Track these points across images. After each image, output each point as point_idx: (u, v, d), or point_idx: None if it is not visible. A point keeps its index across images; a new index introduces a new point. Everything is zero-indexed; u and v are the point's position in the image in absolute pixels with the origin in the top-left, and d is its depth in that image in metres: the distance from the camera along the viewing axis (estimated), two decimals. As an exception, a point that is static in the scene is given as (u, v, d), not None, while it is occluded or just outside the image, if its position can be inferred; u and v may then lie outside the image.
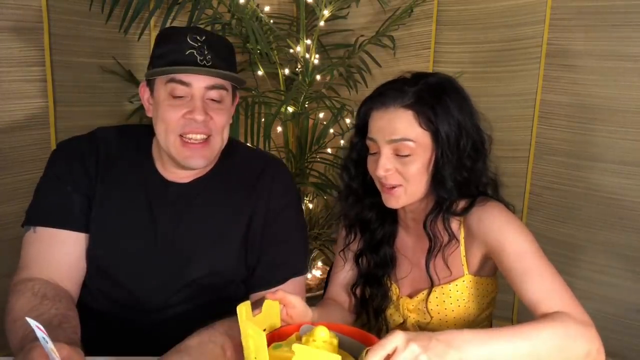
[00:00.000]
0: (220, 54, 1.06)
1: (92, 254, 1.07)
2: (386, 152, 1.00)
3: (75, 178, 1.08)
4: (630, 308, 1.83)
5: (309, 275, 2.31)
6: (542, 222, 2.03)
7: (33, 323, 0.65)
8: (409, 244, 1.15)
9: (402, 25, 2.21)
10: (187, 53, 1.03)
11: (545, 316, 0.89)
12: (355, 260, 1.17)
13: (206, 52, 1.04)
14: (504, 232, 0.98)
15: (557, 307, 0.90)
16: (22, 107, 1.65)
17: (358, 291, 1.18)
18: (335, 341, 0.78)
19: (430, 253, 1.05)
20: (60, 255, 1.04)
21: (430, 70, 2.23)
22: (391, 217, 1.15)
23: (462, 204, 1.04)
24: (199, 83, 1.04)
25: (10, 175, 1.64)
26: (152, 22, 1.90)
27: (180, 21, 1.84)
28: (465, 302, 1.06)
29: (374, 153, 1.04)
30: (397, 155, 1.00)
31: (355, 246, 1.17)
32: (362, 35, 2.24)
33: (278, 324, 0.87)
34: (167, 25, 1.80)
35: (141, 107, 1.91)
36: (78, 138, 1.15)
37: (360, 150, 1.09)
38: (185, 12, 1.84)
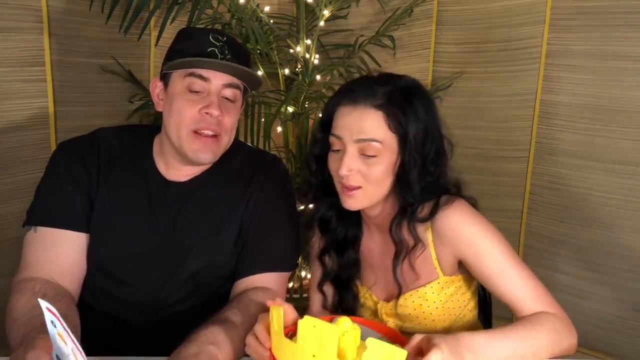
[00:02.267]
0: (239, 56, 1.10)
1: (93, 254, 1.08)
2: (351, 151, 0.98)
3: (76, 178, 1.09)
4: (630, 308, 1.83)
5: (309, 275, 2.30)
6: (542, 222, 2.02)
7: (44, 304, 0.65)
8: (375, 248, 1.12)
9: (402, 25, 2.21)
10: (208, 50, 1.06)
11: (537, 317, 0.94)
12: (318, 258, 1.15)
13: (226, 52, 1.07)
14: (477, 242, 0.98)
15: (538, 308, 0.95)
16: (22, 107, 1.65)
17: (330, 291, 1.15)
18: (357, 332, 0.79)
19: (397, 258, 1.04)
20: (60, 255, 1.04)
21: (430, 70, 2.23)
22: (353, 219, 1.12)
23: (425, 208, 1.02)
24: (217, 80, 1.07)
25: (10, 175, 1.64)
26: (152, 22, 1.90)
27: (181, 21, 1.84)
28: (444, 302, 1.05)
29: (337, 150, 1.01)
30: (362, 155, 0.98)
31: (316, 244, 1.16)
32: (362, 35, 2.24)
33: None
34: (167, 25, 1.80)
35: (141, 107, 1.91)
36: (79, 138, 1.15)
37: (323, 147, 1.06)
38: (185, 12, 1.84)
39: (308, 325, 0.70)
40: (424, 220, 1.02)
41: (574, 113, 1.90)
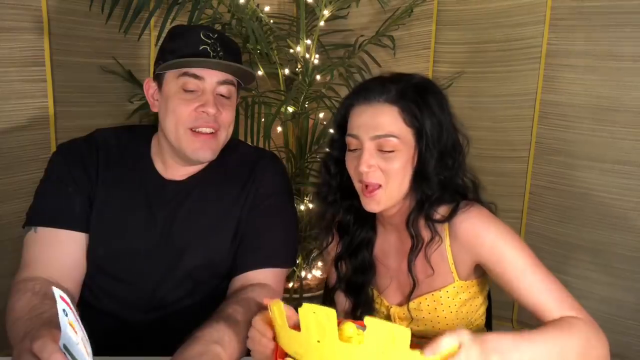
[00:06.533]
0: (231, 52, 1.10)
1: (92, 254, 1.08)
2: (369, 147, 0.98)
3: (76, 179, 1.09)
4: (630, 308, 1.83)
5: (309, 276, 2.31)
6: (541, 222, 2.03)
7: (57, 292, 0.65)
8: (389, 250, 1.12)
9: (402, 25, 2.21)
10: (200, 48, 1.05)
11: (565, 321, 0.90)
12: (334, 264, 1.14)
13: (219, 49, 1.07)
14: (500, 249, 0.96)
15: (563, 312, 0.92)
16: (22, 107, 1.65)
17: (341, 299, 1.15)
18: (362, 338, 0.78)
19: (413, 252, 1.03)
20: (60, 255, 1.04)
21: (430, 70, 2.24)
22: (370, 222, 1.12)
23: (444, 210, 1.02)
24: (211, 78, 1.06)
25: (10, 176, 1.64)
26: (152, 22, 1.90)
27: (180, 21, 1.84)
28: (457, 307, 1.05)
29: (354, 150, 1.01)
30: (380, 151, 0.98)
31: (333, 249, 1.15)
32: (362, 35, 2.24)
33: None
34: (167, 25, 1.80)
35: (141, 107, 1.91)
36: (78, 140, 1.16)
37: (340, 148, 1.06)
38: (185, 12, 1.84)
39: (308, 312, 0.70)
40: (442, 221, 1.01)
41: (574, 113, 1.90)
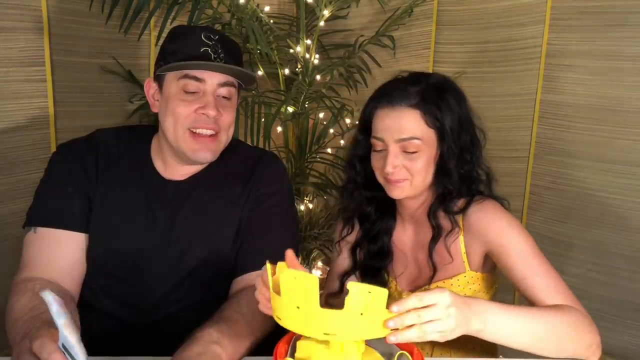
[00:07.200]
0: (232, 54, 1.10)
1: (92, 254, 1.08)
2: (394, 149, 1.04)
3: (75, 179, 1.09)
4: (630, 308, 1.83)
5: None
6: (541, 222, 2.02)
7: (48, 296, 0.66)
8: (406, 240, 1.18)
9: (402, 25, 2.21)
10: (201, 50, 1.05)
11: (558, 305, 0.94)
12: (351, 250, 1.21)
13: (219, 51, 1.06)
14: (506, 235, 1.02)
15: (560, 301, 0.96)
16: (22, 107, 1.65)
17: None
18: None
19: (433, 241, 1.09)
20: (60, 255, 1.04)
21: (430, 71, 2.23)
22: (390, 212, 1.18)
23: (460, 202, 1.09)
24: (212, 80, 1.07)
25: (10, 176, 1.64)
26: (152, 22, 1.90)
27: (180, 21, 1.84)
28: None
29: (380, 150, 1.08)
30: (404, 152, 1.04)
31: (351, 238, 1.22)
32: (362, 35, 2.24)
33: None
34: (167, 25, 1.80)
35: (141, 107, 1.91)
36: (78, 140, 1.16)
37: (365, 147, 1.14)
38: (185, 12, 1.84)
39: (289, 277, 0.71)
40: (456, 212, 1.08)
41: (574, 113, 1.90)
